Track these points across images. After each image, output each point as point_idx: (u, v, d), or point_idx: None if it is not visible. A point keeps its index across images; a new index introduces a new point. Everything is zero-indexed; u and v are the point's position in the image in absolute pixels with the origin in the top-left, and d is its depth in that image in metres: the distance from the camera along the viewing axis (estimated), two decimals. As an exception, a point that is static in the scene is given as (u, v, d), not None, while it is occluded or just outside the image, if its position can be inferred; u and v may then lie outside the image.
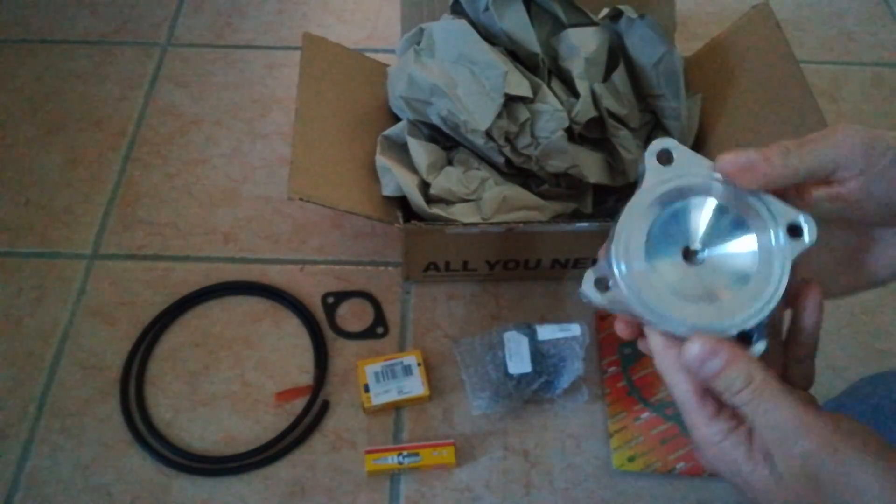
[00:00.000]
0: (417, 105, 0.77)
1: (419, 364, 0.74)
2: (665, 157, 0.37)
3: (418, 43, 0.79)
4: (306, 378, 0.76)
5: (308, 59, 0.77)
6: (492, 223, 0.72)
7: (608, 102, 0.76)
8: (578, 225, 0.72)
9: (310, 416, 0.73)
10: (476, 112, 0.74)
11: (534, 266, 0.79)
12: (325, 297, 0.81)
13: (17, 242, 0.85)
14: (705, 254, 0.38)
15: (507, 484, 0.70)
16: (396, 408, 0.74)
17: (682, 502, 0.69)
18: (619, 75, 0.77)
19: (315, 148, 0.71)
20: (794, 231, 0.36)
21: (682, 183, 0.37)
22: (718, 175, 0.37)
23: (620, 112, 0.77)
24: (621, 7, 0.79)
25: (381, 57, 0.88)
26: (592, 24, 0.81)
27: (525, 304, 0.81)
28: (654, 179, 0.37)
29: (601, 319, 0.80)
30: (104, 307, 0.80)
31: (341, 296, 0.81)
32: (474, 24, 0.78)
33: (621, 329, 0.38)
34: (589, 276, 0.37)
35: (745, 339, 0.36)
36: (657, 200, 0.37)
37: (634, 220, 0.37)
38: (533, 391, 0.72)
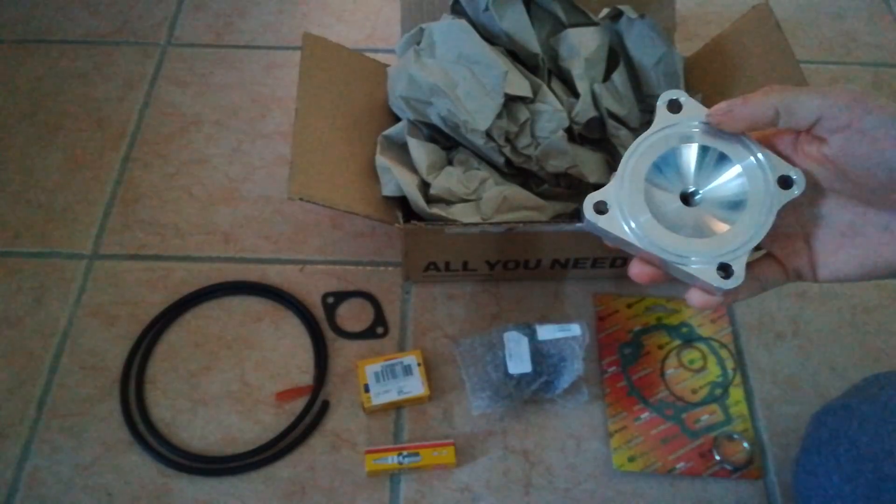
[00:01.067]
0: (417, 105, 0.77)
1: (419, 364, 0.74)
2: (674, 106, 0.41)
3: (418, 43, 0.79)
4: (306, 378, 0.76)
5: (308, 59, 0.77)
6: (492, 223, 0.72)
7: (608, 102, 0.76)
8: (578, 225, 0.72)
9: (310, 416, 0.73)
10: (476, 112, 0.74)
11: (534, 266, 0.79)
12: (325, 297, 0.81)
13: (17, 242, 0.85)
14: (700, 195, 0.41)
15: (507, 484, 0.70)
16: (396, 408, 0.74)
17: (682, 502, 0.69)
18: (619, 75, 0.78)
19: (315, 148, 0.71)
20: (785, 182, 0.39)
21: (684, 129, 0.40)
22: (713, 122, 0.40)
23: (620, 112, 0.77)
24: (621, 7, 0.79)
25: (381, 57, 0.88)
26: (592, 24, 0.81)
27: (525, 304, 0.81)
28: (661, 123, 0.41)
29: (601, 319, 0.80)
30: (104, 307, 0.80)
31: (341, 296, 0.81)
32: (474, 24, 0.78)
33: (636, 274, 0.40)
34: (590, 199, 0.40)
35: (726, 269, 0.39)
36: (661, 141, 0.40)
37: (639, 156, 0.40)
38: (533, 391, 0.72)
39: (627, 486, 0.70)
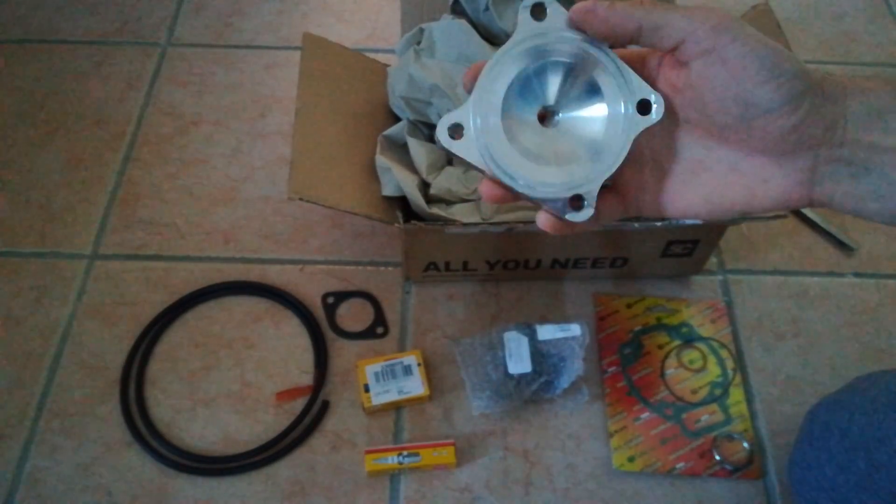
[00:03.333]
0: (417, 105, 0.77)
1: (419, 364, 0.74)
2: (538, 11, 0.37)
3: (418, 43, 0.79)
4: (306, 378, 0.76)
5: (308, 59, 0.77)
6: (492, 223, 0.72)
7: (608, 102, 0.76)
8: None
9: (310, 416, 0.73)
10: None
11: (534, 266, 0.79)
12: (325, 297, 0.81)
13: (17, 242, 0.85)
14: (559, 116, 0.38)
15: (507, 484, 0.70)
16: (396, 408, 0.74)
17: (682, 502, 0.69)
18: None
19: (315, 148, 0.71)
20: (644, 107, 0.37)
21: (546, 41, 0.37)
22: (580, 35, 0.37)
23: (620, 112, 0.77)
24: (621, 7, 0.79)
25: (381, 57, 0.88)
26: (592, 24, 0.80)
27: (525, 304, 0.81)
28: (524, 34, 0.37)
29: (601, 319, 0.80)
30: (104, 307, 0.80)
31: (341, 296, 0.81)
32: (474, 24, 0.78)
33: (486, 193, 0.38)
34: (444, 122, 0.37)
35: (577, 201, 0.37)
36: (521, 56, 0.37)
37: (495, 74, 0.37)
38: (533, 391, 0.72)
39: (627, 486, 0.70)
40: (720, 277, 0.84)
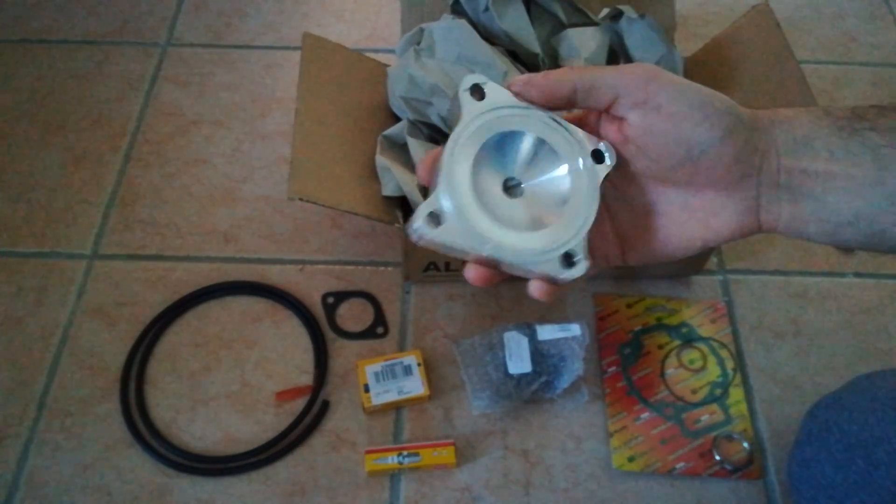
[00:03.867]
0: (417, 105, 0.77)
1: (419, 364, 0.74)
2: (477, 92, 0.39)
3: (418, 43, 0.79)
4: (306, 378, 0.76)
5: (308, 59, 0.77)
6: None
7: (608, 102, 0.76)
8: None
9: (310, 416, 0.73)
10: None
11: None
12: (325, 297, 0.81)
13: (17, 242, 0.85)
14: (524, 185, 0.40)
15: (507, 484, 0.70)
16: (396, 408, 0.74)
17: (682, 502, 0.69)
18: (619, 75, 0.77)
19: (315, 148, 0.71)
20: (597, 156, 0.39)
21: (493, 116, 0.39)
22: (524, 104, 0.39)
23: (620, 112, 0.77)
24: (621, 7, 0.79)
25: (381, 57, 0.88)
26: (592, 24, 0.81)
27: (525, 304, 0.81)
28: (470, 114, 0.39)
29: (601, 319, 0.80)
30: (104, 307, 0.80)
31: (341, 296, 0.81)
32: (474, 24, 0.78)
33: (472, 278, 0.38)
34: (419, 213, 0.37)
35: (569, 258, 0.38)
36: (475, 135, 0.39)
37: (456, 158, 0.38)
38: (533, 391, 0.72)
39: (627, 486, 0.70)
40: (720, 277, 0.84)
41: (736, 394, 0.75)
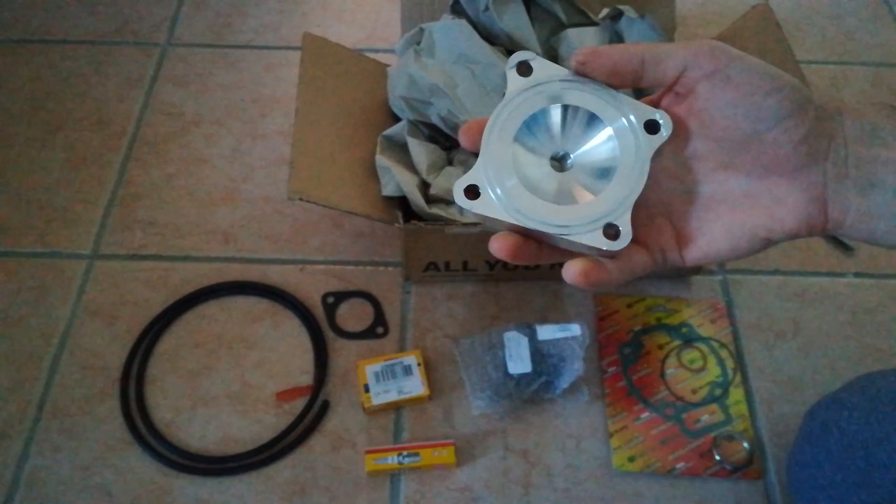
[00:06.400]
0: (417, 105, 0.77)
1: (419, 364, 0.74)
2: (524, 69, 0.38)
3: (418, 43, 0.79)
4: (306, 378, 0.76)
5: (308, 59, 0.77)
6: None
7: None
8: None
9: (310, 416, 0.73)
10: (476, 112, 0.74)
11: (534, 266, 0.79)
12: (325, 297, 0.81)
13: (17, 242, 0.85)
14: (571, 158, 0.39)
15: (507, 484, 0.70)
16: (396, 408, 0.74)
17: (682, 502, 0.69)
18: (619, 75, 0.77)
19: (315, 148, 0.71)
20: (651, 127, 0.37)
21: (542, 90, 0.38)
22: (575, 79, 0.38)
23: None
24: (621, 7, 0.79)
25: (381, 57, 0.88)
26: (592, 24, 0.81)
27: (525, 304, 0.81)
28: (515, 89, 0.38)
29: (601, 319, 0.80)
30: (104, 307, 0.80)
31: (341, 296, 0.81)
32: (474, 24, 0.78)
33: (498, 247, 0.37)
34: (459, 186, 0.37)
35: (613, 229, 0.37)
36: (518, 110, 0.38)
37: (500, 128, 0.38)
38: (533, 391, 0.72)
39: (627, 486, 0.70)
40: (720, 277, 0.84)
41: (736, 394, 0.75)
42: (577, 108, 0.38)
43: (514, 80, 0.38)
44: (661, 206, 0.39)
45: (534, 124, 0.38)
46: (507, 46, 0.79)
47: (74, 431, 0.72)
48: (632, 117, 0.37)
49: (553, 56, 0.80)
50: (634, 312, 0.80)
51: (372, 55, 0.87)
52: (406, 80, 0.76)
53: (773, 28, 0.76)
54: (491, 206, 0.37)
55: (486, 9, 0.77)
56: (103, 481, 0.69)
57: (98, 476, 0.70)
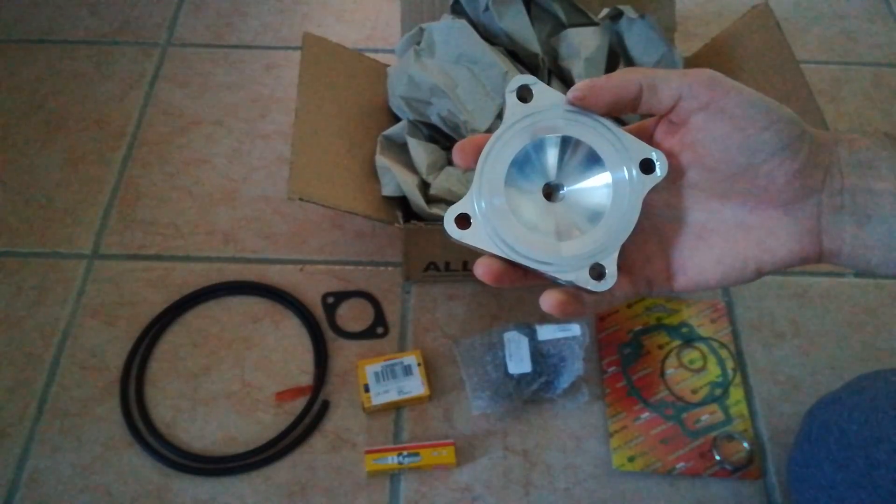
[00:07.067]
0: (417, 105, 0.77)
1: (419, 364, 0.74)
2: (525, 94, 0.38)
3: (418, 43, 0.79)
4: (306, 378, 0.76)
5: (308, 59, 0.77)
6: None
7: (608, 102, 0.76)
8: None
9: (310, 416, 0.73)
10: (476, 112, 0.74)
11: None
12: (325, 297, 0.81)
13: (17, 242, 0.85)
14: (564, 190, 0.38)
15: (507, 484, 0.70)
16: (396, 408, 0.74)
17: (682, 502, 0.69)
18: (619, 75, 0.77)
19: (315, 148, 0.71)
20: (647, 166, 0.37)
21: (540, 119, 0.37)
22: (574, 109, 0.37)
23: (620, 112, 0.77)
24: (621, 7, 0.79)
25: (381, 57, 0.88)
26: (592, 24, 0.81)
27: (525, 304, 0.81)
28: (515, 116, 0.37)
29: (601, 319, 0.80)
30: (104, 307, 0.80)
31: (341, 296, 0.81)
32: (474, 24, 0.78)
33: (482, 272, 0.37)
34: (450, 213, 0.37)
35: (599, 269, 0.37)
36: (517, 137, 0.37)
37: (495, 157, 0.37)
38: (533, 391, 0.72)
39: (627, 486, 0.70)
40: (720, 277, 0.83)
41: (736, 394, 0.75)
42: (578, 143, 0.38)
43: (514, 105, 0.38)
44: (652, 231, 0.39)
45: (531, 155, 0.38)
46: (508, 46, 0.79)
47: (74, 431, 0.72)
48: (623, 147, 0.37)
49: (553, 56, 0.80)
50: (634, 312, 0.80)
51: (372, 55, 0.87)
52: (406, 80, 0.76)
53: (773, 28, 0.76)
54: (480, 237, 0.37)
55: (486, 9, 0.77)
56: (103, 481, 0.69)
57: (98, 476, 0.70)
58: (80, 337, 0.78)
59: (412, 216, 0.74)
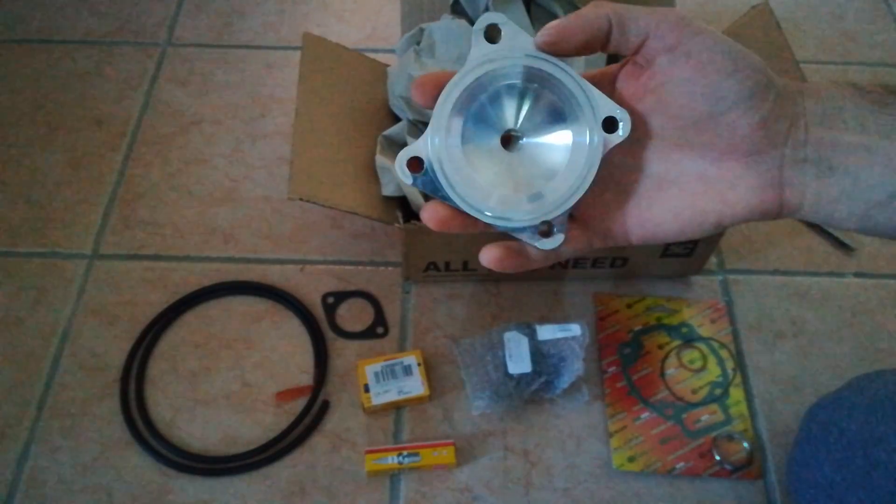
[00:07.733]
0: (417, 105, 0.77)
1: (419, 364, 0.74)
2: (493, 34, 0.36)
3: (418, 43, 0.79)
4: (306, 378, 0.76)
5: (308, 59, 0.77)
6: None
7: (608, 102, 0.76)
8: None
9: (310, 416, 0.73)
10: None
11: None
12: (325, 297, 0.81)
13: (17, 242, 0.85)
14: (523, 141, 0.37)
15: (507, 484, 0.70)
16: (396, 408, 0.74)
17: (682, 502, 0.69)
18: (619, 75, 0.77)
19: (315, 148, 0.71)
20: (610, 124, 0.36)
21: (503, 63, 0.36)
22: (542, 54, 0.36)
23: (620, 112, 0.77)
24: (621, 7, 0.79)
25: (381, 57, 0.88)
26: (592, 24, 0.80)
27: (525, 304, 0.81)
28: (479, 58, 0.36)
29: (601, 319, 0.80)
30: (104, 307, 0.80)
31: (341, 296, 0.81)
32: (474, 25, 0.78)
33: (427, 217, 0.36)
34: (403, 155, 0.36)
35: (547, 227, 0.36)
36: (479, 81, 0.36)
37: (450, 103, 0.36)
38: (533, 391, 0.72)
39: (627, 486, 0.70)
40: (720, 277, 0.84)
41: (736, 394, 0.75)
42: (541, 93, 0.36)
43: (480, 46, 0.36)
44: (610, 181, 0.38)
45: (491, 102, 0.36)
46: (507, 46, 0.79)
47: (74, 431, 0.72)
48: (587, 102, 0.36)
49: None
50: (634, 312, 0.80)
51: (372, 55, 0.87)
52: (406, 80, 0.76)
53: (773, 28, 0.76)
54: (430, 182, 0.36)
55: (486, 9, 0.77)
56: (103, 481, 0.69)
57: (98, 476, 0.70)
58: (80, 337, 0.78)
59: (412, 216, 0.74)
